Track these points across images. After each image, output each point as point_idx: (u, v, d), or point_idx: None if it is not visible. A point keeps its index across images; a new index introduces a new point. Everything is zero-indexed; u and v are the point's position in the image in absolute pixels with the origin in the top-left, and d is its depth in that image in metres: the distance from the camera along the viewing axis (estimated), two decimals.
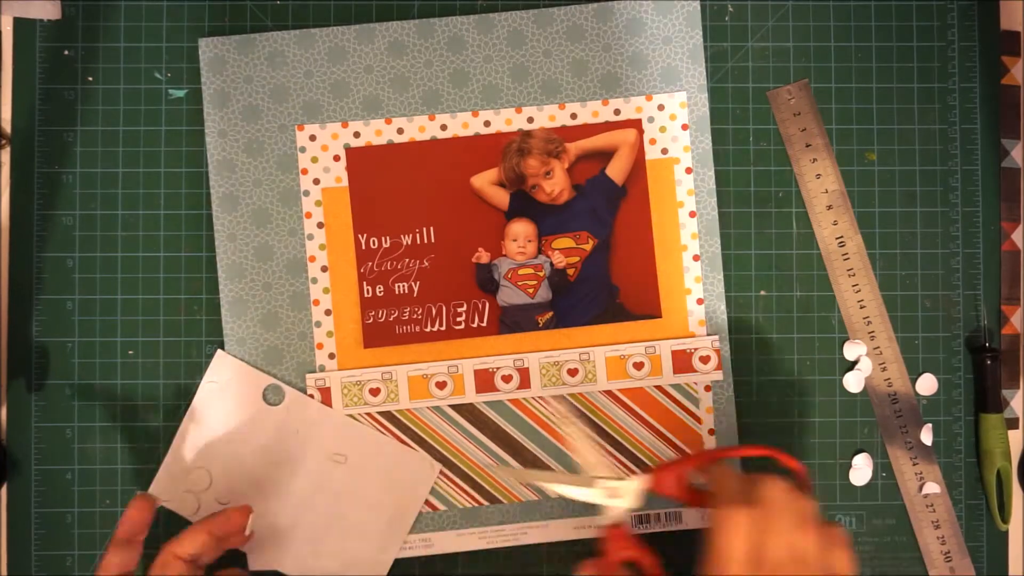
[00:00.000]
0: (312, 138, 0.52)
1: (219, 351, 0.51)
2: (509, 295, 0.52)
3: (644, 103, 0.52)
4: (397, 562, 0.51)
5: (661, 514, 0.52)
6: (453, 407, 0.52)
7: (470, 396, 0.52)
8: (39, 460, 0.52)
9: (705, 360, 0.52)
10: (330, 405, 0.51)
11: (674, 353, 0.52)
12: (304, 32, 0.51)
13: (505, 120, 0.52)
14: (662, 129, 0.52)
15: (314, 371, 0.51)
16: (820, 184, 0.53)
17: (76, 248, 0.52)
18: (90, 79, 0.52)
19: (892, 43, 0.53)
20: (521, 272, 0.52)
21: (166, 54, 0.52)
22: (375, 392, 0.51)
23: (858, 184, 0.53)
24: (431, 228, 0.52)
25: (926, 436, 0.53)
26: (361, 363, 0.52)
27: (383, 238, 0.52)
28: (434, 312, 0.52)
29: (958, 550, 0.52)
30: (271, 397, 0.51)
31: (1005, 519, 0.53)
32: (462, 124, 0.52)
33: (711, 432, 0.52)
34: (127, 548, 0.45)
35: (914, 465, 0.52)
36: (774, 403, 0.53)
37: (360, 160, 0.52)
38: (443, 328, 0.52)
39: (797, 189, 0.53)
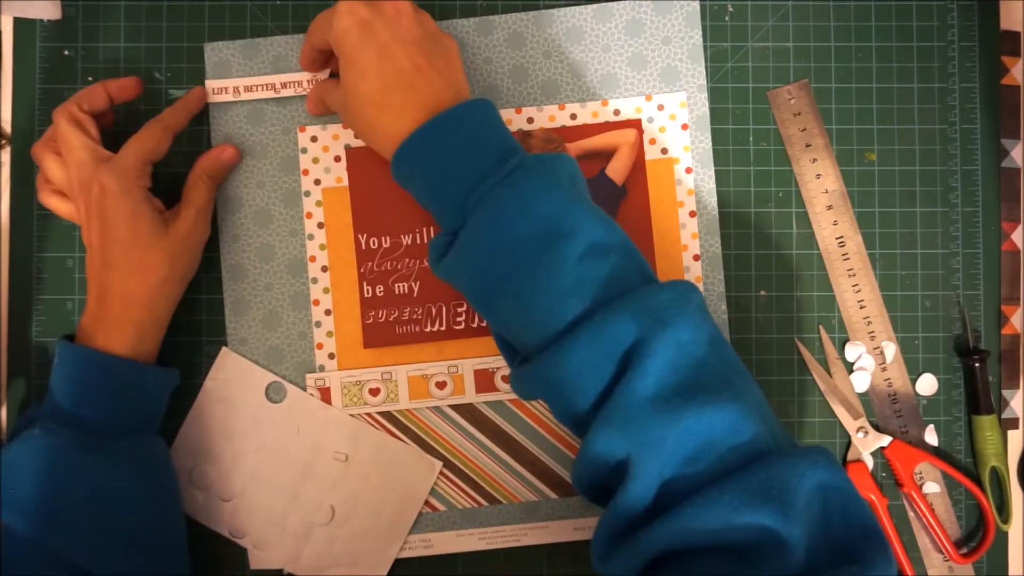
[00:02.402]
0: (313, 139, 0.54)
1: (224, 348, 0.54)
2: None
3: (644, 103, 0.54)
4: (397, 562, 0.54)
5: None
6: (453, 407, 0.54)
7: (470, 396, 0.54)
8: None
9: None
10: (330, 405, 0.54)
11: None
12: None
13: (505, 120, 0.54)
14: (662, 129, 0.54)
15: (314, 371, 0.54)
16: (820, 184, 0.55)
17: (76, 248, 0.54)
18: (90, 79, 0.54)
19: (892, 43, 0.56)
20: None
21: (166, 54, 0.55)
22: (375, 392, 0.54)
23: (858, 184, 0.55)
24: (431, 228, 0.54)
25: (930, 437, 0.55)
26: (361, 363, 0.54)
27: (383, 238, 0.54)
28: (434, 312, 0.54)
29: (957, 550, 0.55)
30: (273, 395, 0.54)
31: (1005, 519, 0.55)
32: None
33: None
34: (164, 132, 0.50)
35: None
36: (774, 403, 0.55)
37: (360, 161, 0.54)
38: (443, 328, 0.54)
39: (797, 189, 0.55)
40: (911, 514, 0.55)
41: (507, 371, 0.54)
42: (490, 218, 0.43)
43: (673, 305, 0.41)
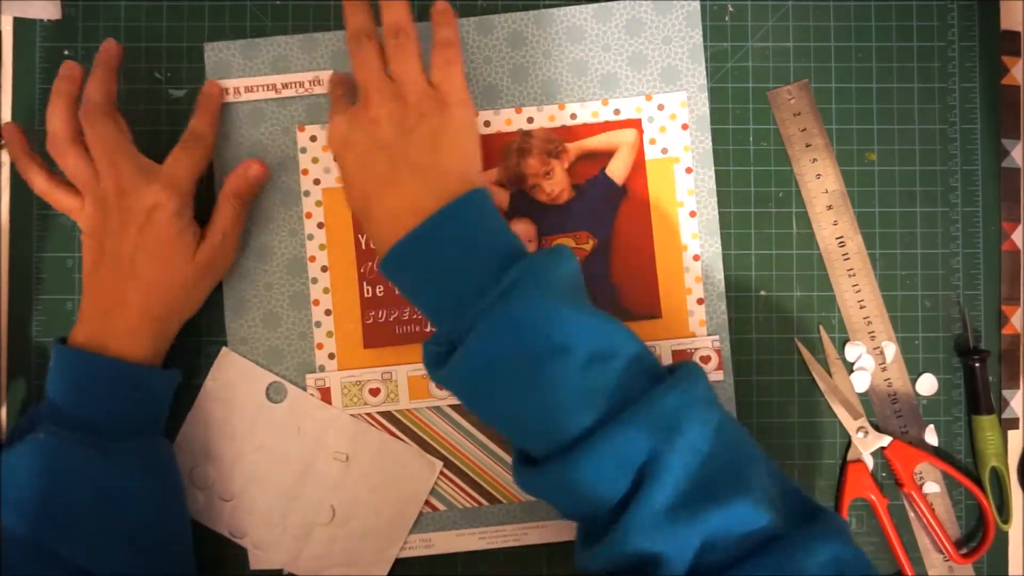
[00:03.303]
0: (313, 139, 0.54)
1: (224, 348, 0.54)
2: None
3: (644, 103, 0.55)
4: (397, 562, 0.54)
5: None
6: (453, 407, 0.55)
7: None
8: None
9: (705, 360, 0.54)
10: (330, 405, 0.54)
11: (674, 353, 0.54)
12: (308, 36, 0.54)
13: (505, 120, 0.55)
14: (662, 129, 0.55)
15: (314, 371, 0.54)
16: (820, 184, 0.56)
17: (76, 248, 0.55)
18: None
19: (892, 43, 0.56)
20: None
21: (166, 54, 0.55)
22: (375, 392, 0.54)
23: (858, 184, 0.56)
24: None
25: (930, 437, 0.56)
26: (361, 363, 0.54)
27: None
28: None
29: (957, 550, 0.55)
30: (273, 395, 0.54)
31: (1005, 519, 0.55)
32: None
33: None
34: (208, 150, 0.52)
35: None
36: (774, 403, 0.56)
37: None
38: None
39: (797, 189, 0.56)
40: (911, 514, 0.56)
41: None
42: (487, 338, 0.43)
43: (681, 408, 0.42)
